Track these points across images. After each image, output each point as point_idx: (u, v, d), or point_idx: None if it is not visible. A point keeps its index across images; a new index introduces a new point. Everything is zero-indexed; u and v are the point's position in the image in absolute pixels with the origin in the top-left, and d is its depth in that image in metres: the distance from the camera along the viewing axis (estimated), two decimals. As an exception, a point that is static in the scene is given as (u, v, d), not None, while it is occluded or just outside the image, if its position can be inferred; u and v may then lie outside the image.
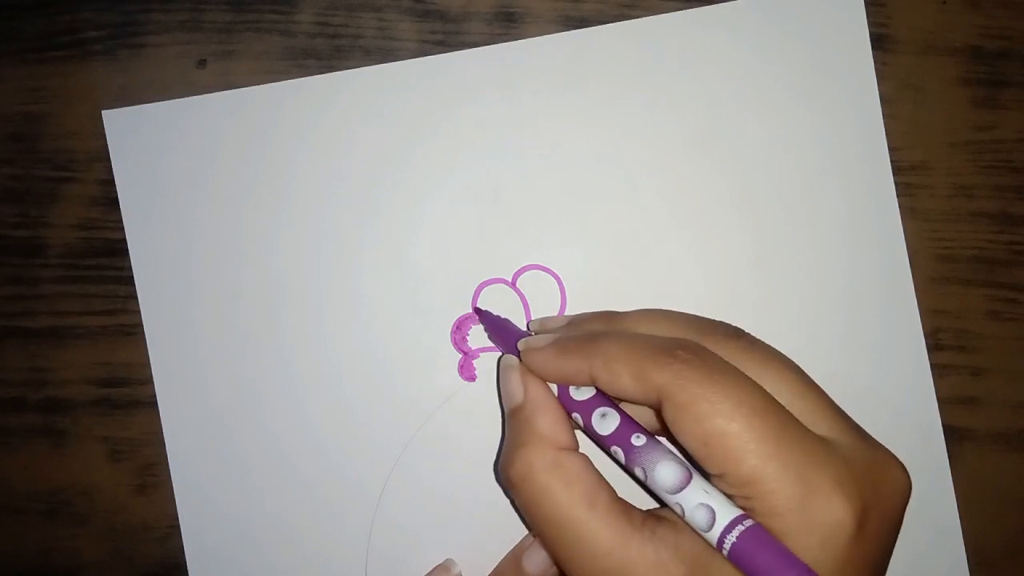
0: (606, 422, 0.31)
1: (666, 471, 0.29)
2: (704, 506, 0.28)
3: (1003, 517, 0.41)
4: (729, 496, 0.28)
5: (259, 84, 0.41)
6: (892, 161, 0.41)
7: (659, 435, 0.32)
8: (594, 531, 0.29)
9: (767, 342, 0.32)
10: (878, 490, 0.28)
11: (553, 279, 0.40)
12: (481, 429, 0.40)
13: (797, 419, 0.29)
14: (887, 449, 0.30)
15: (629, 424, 0.31)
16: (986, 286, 0.41)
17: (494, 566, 0.39)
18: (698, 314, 0.34)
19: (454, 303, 0.40)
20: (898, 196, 0.41)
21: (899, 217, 0.40)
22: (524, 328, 0.39)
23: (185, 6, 0.41)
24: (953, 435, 0.41)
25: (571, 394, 0.33)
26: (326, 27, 0.41)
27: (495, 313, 0.39)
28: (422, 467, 0.40)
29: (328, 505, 0.40)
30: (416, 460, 0.40)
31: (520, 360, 0.34)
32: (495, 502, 0.40)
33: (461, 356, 0.40)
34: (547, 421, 0.32)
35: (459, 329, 0.40)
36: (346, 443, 0.40)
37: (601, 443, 0.32)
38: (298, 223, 0.41)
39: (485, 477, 0.40)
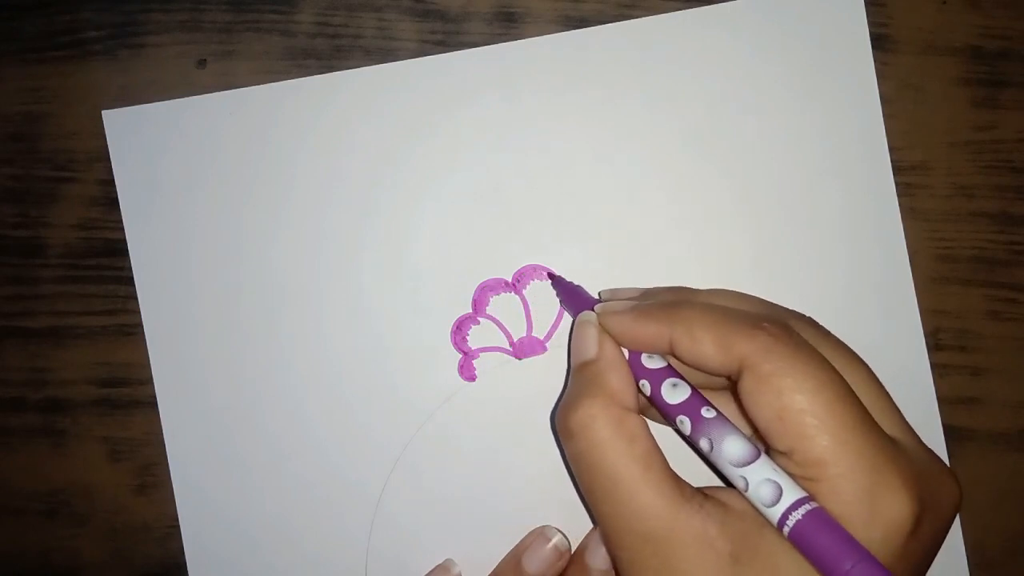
0: (676, 392, 0.31)
1: (735, 444, 0.29)
2: (771, 482, 0.28)
3: (1003, 517, 0.41)
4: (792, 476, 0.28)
5: (259, 84, 0.41)
6: (892, 161, 0.41)
7: None
8: (645, 492, 0.29)
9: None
10: (935, 495, 0.28)
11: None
12: (481, 429, 0.40)
13: (870, 413, 0.29)
14: (943, 460, 0.30)
15: (699, 397, 0.31)
16: (986, 286, 0.41)
17: (494, 566, 0.39)
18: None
19: (454, 303, 0.40)
20: (898, 196, 0.41)
21: (899, 217, 0.40)
22: (592, 298, 0.39)
23: (185, 6, 0.41)
24: (953, 435, 0.41)
25: (643, 361, 0.33)
26: (326, 27, 0.41)
27: (568, 280, 0.40)
28: (422, 467, 0.40)
29: (328, 505, 0.40)
30: (416, 460, 0.40)
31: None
32: (495, 502, 0.40)
33: (461, 356, 0.40)
34: (617, 380, 0.32)
35: (459, 329, 0.40)
36: (346, 443, 0.40)
37: (667, 412, 0.32)
38: (298, 223, 0.41)
39: (485, 477, 0.40)
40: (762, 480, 0.28)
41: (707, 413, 0.30)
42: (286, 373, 0.41)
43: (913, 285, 0.40)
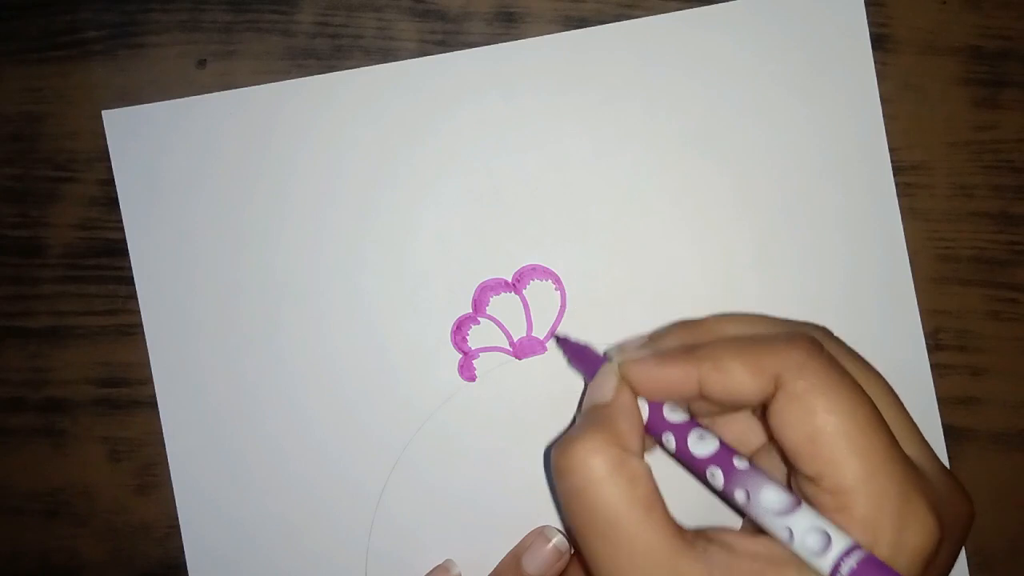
0: (704, 444, 0.30)
1: (774, 494, 0.28)
2: (818, 530, 0.27)
3: (1003, 517, 0.41)
4: (812, 503, 0.28)
5: (259, 84, 0.41)
6: (892, 161, 0.41)
7: None
8: (646, 536, 0.28)
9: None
10: (953, 520, 0.28)
11: (552, 279, 0.40)
12: (481, 429, 0.40)
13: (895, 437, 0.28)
14: (958, 479, 0.30)
15: (728, 448, 0.30)
16: (986, 286, 0.41)
17: (494, 566, 0.39)
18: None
19: (454, 303, 0.40)
20: (898, 196, 0.41)
21: (899, 217, 0.40)
22: (600, 355, 0.37)
23: (185, 6, 0.41)
24: (953, 435, 0.41)
25: (665, 415, 0.31)
26: (326, 27, 0.41)
27: (574, 339, 0.38)
28: (422, 467, 0.40)
29: (328, 505, 0.40)
30: (416, 460, 0.40)
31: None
32: (495, 502, 0.40)
33: (461, 356, 0.40)
34: (627, 425, 0.30)
35: (459, 329, 0.40)
36: (346, 443, 0.40)
37: (696, 465, 0.30)
38: (298, 223, 0.41)
39: (485, 477, 0.40)
40: (808, 529, 0.27)
41: (740, 464, 0.29)
42: (286, 373, 0.41)
43: (913, 285, 0.40)
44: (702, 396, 0.31)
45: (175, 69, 0.41)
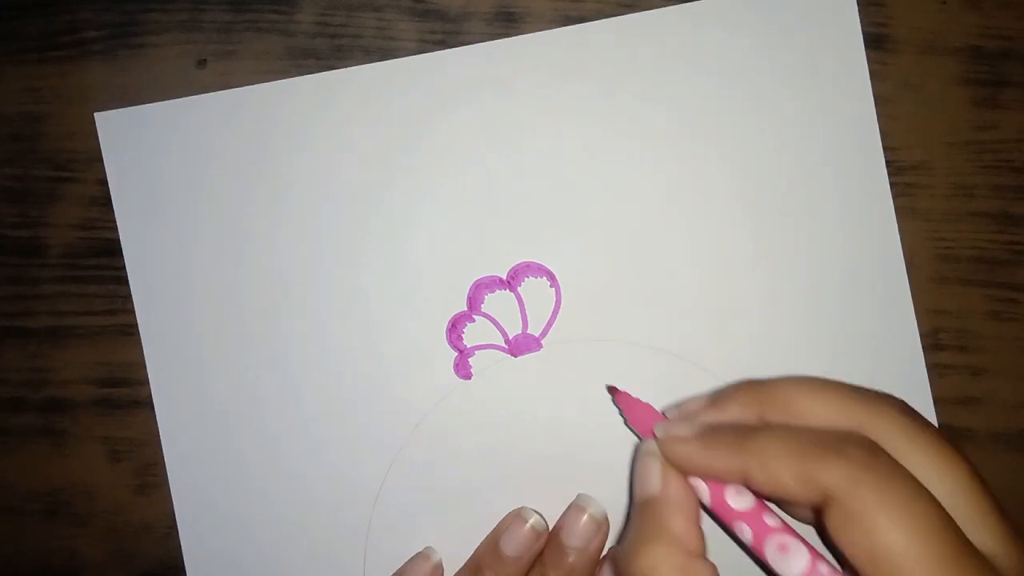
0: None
1: None
2: None
3: (1003, 517, 0.41)
4: None
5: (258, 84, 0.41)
6: (892, 161, 0.40)
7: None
8: None
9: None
10: None
11: (547, 276, 0.40)
12: (478, 427, 0.40)
13: (968, 539, 0.26)
14: None
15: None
16: (986, 286, 0.41)
17: (492, 562, 0.39)
18: (856, 385, 0.31)
19: (449, 301, 0.40)
20: (898, 196, 0.40)
21: (894, 214, 0.40)
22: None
23: (185, 6, 0.41)
24: (953, 435, 0.40)
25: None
26: (326, 27, 0.41)
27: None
28: (419, 465, 0.40)
29: (326, 504, 0.40)
30: (413, 458, 0.40)
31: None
32: (492, 499, 0.40)
33: (457, 354, 0.40)
34: (681, 521, 0.29)
35: (455, 327, 0.40)
36: (343, 442, 0.40)
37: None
38: (295, 222, 0.41)
39: (483, 474, 0.40)
40: None
41: None
42: (283, 373, 0.41)
43: (908, 284, 0.40)
44: (748, 488, 0.29)
45: (175, 69, 0.41)
